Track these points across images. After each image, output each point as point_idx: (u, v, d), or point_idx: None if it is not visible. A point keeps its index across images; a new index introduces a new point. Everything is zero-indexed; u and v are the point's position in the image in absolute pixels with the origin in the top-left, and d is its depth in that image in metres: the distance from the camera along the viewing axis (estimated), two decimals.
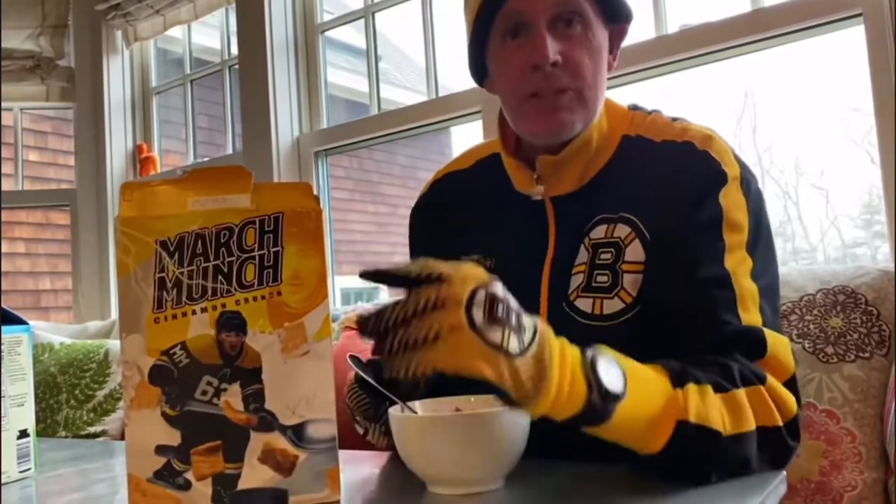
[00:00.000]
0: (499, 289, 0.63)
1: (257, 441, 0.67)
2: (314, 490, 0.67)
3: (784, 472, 0.74)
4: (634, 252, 0.89)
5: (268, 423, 0.67)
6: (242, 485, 0.66)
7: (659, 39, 1.80)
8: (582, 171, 0.95)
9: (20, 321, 0.99)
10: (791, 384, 0.80)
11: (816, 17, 1.60)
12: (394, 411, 0.76)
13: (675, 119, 0.97)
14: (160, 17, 2.82)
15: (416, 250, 1.13)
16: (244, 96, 2.56)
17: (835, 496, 1.19)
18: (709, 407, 0.70)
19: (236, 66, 2.66)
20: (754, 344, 0.79)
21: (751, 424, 0.73)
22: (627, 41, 1.00)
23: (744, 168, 0.91)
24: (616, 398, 0.65)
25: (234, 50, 2.69)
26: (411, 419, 0.75)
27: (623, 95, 1.01)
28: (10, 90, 2.90)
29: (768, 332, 0.81)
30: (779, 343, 0.81)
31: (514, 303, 0.63)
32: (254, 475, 0.66)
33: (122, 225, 0.67)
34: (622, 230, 0.90)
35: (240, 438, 0.67)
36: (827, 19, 1.60)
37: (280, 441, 0.67)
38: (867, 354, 1.23)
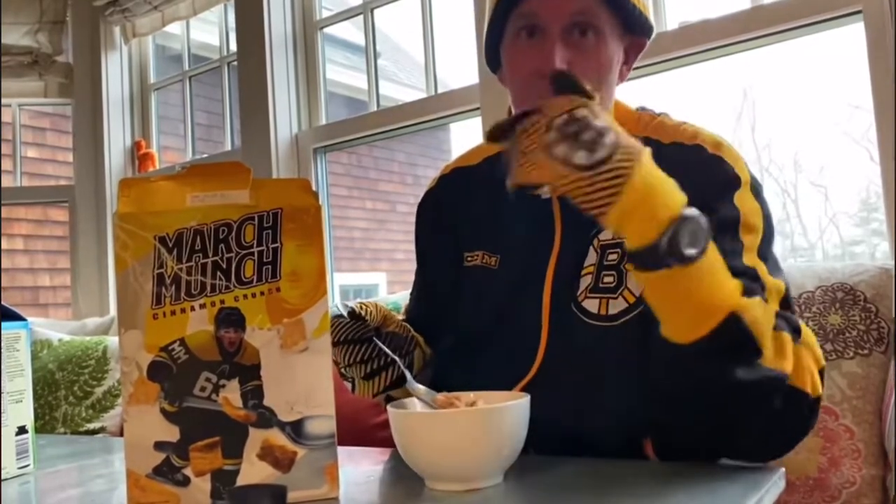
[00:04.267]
0: (582, 112, 0.70)
1: (256, 437, 0.67)
2: (313, 486, 0.67)
3: (782, 469, 0.74)
4: None
5: (266, 419, 0.67)
6: (241, 481, 0.66)
7: (658, 36, 1.79)
8: None
9: (18, 317, 0.99)
10: (821, 374, 0.81)
11: (816, 14, 1.60)
12: (392, 408, 0.75)
13: (681, 122, 0.97)
14: (158, 13, 2.82)
15: (421, 244, 1.14)
16: (243, 93, 2.56)
17: (833, 492, 1.19)
18: (765, 320, 0.73)
19: (235, 63, 2.66)
20: (793, 328, 0.79)
21: (788, 366, 0.75)
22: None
23: (753, 177, 0.91)
24: (683, 260, 0.69)
25: (233, 46, 2.69)
26: (410, 415, 0.75)
27: (622, 93, 1.01)
28: (9, 86, 2.89)
29: (803, 324, 0.82)
30: (810, 335, 0.82)
31: (599, 123, 0.69)
32: (252, 471, 0.66)
33: (120, 221, 0.67)
34: None
35: (238, 435, 0.67)
36: (826, 16, 1.60)
37: (279, 437, 0.67)
38: (866, 351, 1.23)
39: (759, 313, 0.73)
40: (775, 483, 0.71)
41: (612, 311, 0.88)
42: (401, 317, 1.03)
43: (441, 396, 0.80)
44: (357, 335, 0.91)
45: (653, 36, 0.98)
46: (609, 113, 0.95)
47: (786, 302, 0.83)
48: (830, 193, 4.93)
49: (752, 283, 0.81)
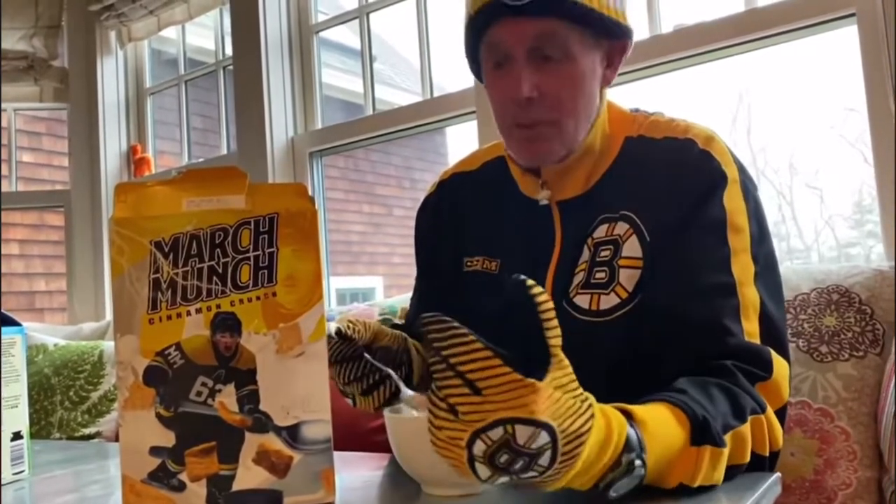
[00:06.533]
0: (523, 434, 0.55)
1: (252, 442, 0.67)
2: (309, 491, 0.67)
3: (779, 473, 0.75)
4: (632, 248, 0.89)
5: (262, 424, 0.67)
6: (237, 486, 0.66)
7: (653, 39, 1.80)
8: (587, 175, 0.96)
9: (13, 322, 0.99)
10: (781, 413, 0.81)
11: (810, 17, 1.61)
12: (388, 413, 0.75)
13: (674, 118, 0.98)
14: (154, 18, 2.81)
15: (421, 250, 1.14)
16: (238, 97, 2.55)
17: (829, 494, 1.19)
18: (717, 469, 0.69)
19: (231, 67, 2.66)
20: (761, 365, 0.80)
21: (747, 457, 0.74)
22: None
23: (743, 173, 0.91)
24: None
25: (229, 50, 2.69)
26: (406, 420, 0.75)
27: (617, 95, 1.01)
28: (4, 91, 2.89)
29: (774, 356, 0.81)
30: (781, 369, 0.82)
31: (542, 440, 0.55)
32: (248, 476, 0.66)
33: (116, 226, 0.67)
34: (621, 227, 0.91)
35: (234, 439, 0.66)
36: (820, 19, 1.60)
37: (275, 442, 0.67)
38: (861, 353, 1.23)
39: (708, 466, 0.68)
40: (771, 488, 0.71)
41: (604, 306, 0.89)
42: (399, 321, 1.03)
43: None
44: (347, 354, 0.90)
45: (633, 36, 0.96)
46: (588, 153, 0.95)
47: (764, 316, 0.84)
48: (826, 196, 4.95)
49: (724, 300, 0.82)
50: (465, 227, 1.05)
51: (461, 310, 1.00)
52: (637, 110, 1.01)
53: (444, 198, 1.11)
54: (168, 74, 3.07)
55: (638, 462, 0.62)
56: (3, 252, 4.62)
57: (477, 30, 0.93)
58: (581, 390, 0.60)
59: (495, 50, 0.92)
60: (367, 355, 0.90)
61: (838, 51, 1.85)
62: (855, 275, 1.30)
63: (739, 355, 0.79)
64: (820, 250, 4.98)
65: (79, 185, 2.95)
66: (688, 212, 0.87)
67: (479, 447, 0.56)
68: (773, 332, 0.85)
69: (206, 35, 3.21)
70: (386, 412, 0.75)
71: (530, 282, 0.60)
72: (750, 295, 0.84)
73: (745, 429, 0.73)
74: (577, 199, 0.96)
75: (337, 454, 0.69)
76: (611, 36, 0.93)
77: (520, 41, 0.89)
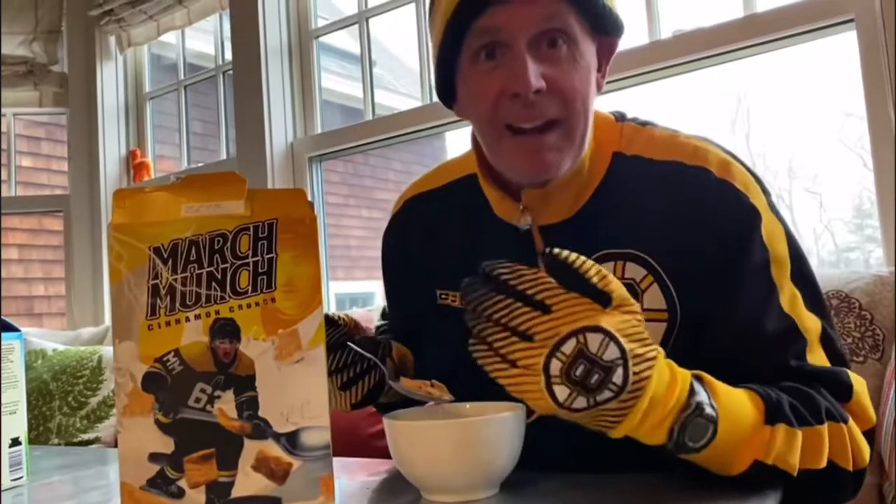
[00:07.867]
0: (594, 342, 0.60)
1: (251, 449, 0.66)
2: (308, 498, 0.67)
3: None
4: (653, 299, 0.79)
5: (261, 430, 0.66)
6: (236, 493, 0.66)
7: (652, 44, 1.81)
8: (574, 197, 0.85)
9: (12, 328, 0.99)
10: (869, 435, 0.76)
11: (809, 22, 1.61)
12: (388, 418, 0.75)
13: (675, 133, 0.87)
14: (154, 23, 2.82)
15: (390, 278, 1.06)
16: (238, 101, 2.56)
17: None
18: (791, 451, 0.68)
19: (230, 72, 2.66)
20: (840, 387, 0.76)
21: (823, 461, 0.70)
22: (621, 46, 0.88)
23: (765, 192, 0.83)
24: (697, 451, 0.65)
25: (228, 55, 2.69)
26: (405, 425, 0.75)
27: (616, 102, 0.98)
28: (4, 96, 2.89)
29: (853, 376, 0.77)
30: (862, 388, 0.77)
31: (608, 356, 0.60)
32: (247, 483, 0.66)
33: (114, 231, 0.67)
34: (636, 271, 0.80)
35: (233, 446, 0.66)
36: (819, 25, 1.61)
37: (274, 449, 0.67)
38: (861, 359, 1.23)
39: (783, 444, 0.68)
40: (771, 494, 0.70)
41: None
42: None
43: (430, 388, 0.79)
44: (332, 341, 0.86)
45: (623, 34, 0.86)
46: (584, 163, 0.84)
47: (825, 337, 0.78)
48: (825, 200, 4.95)
49: (791, 343, 0.76)
50: (435, 256, 0.95)
51: (435, 343, 0.93)
52: (622, 117, 0.90)
53: (409, 219, 1.02)
54: (168, 79, 3.08)
55: (709, 409, 0.64)
56: (2, 257, 4.62)
57: (464, 16, 0.79)
58: (644, 331, 0.64)
59: (488, 37, 0.79)
60: (350, 344, 0.84)
61: (837, 56, 1.86)
62: (855, 280, 1.30)
63: (817, 379, 0.75)
64: (819, 254, 4.98)
65: (78, 189, 2.95)
66: (725, 258, 0.78)
67: (554, 366, 0.59)
68: (835, 351, 0.79)
69: (205, 40, 3.21)
70: (385, 417, 0.75)
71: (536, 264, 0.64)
72: (811, 326, 0.78)
73: (822, 430, 0.70)
74: (564, 225, 0.85)
75: (336, 460, 0.68)
76: (600, 30, 0.83)
77: (522, 25, 0.77)
